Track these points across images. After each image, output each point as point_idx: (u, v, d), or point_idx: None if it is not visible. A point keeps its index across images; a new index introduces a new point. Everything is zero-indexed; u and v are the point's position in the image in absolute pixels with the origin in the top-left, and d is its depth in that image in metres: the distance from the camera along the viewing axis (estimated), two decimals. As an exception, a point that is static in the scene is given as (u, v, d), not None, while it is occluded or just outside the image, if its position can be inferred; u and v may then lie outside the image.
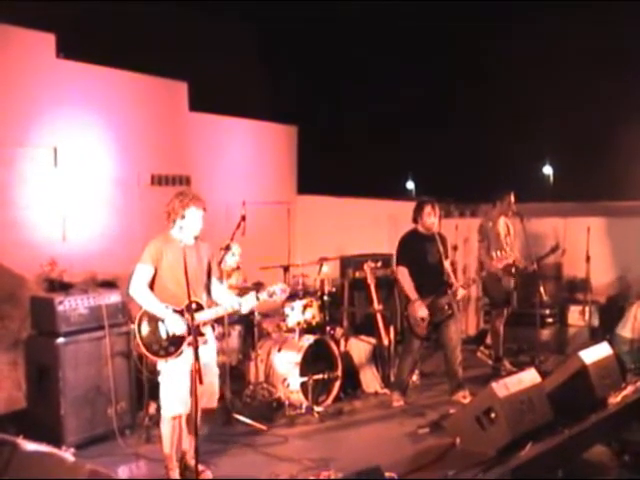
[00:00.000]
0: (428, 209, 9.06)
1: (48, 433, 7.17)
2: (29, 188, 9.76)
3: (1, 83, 9.49)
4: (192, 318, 6.34)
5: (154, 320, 6.58)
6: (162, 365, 6.68)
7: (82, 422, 7.64)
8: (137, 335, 6.60)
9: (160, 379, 6.73)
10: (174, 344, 6.57)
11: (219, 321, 8.59)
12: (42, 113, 9.97)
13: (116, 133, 11.01)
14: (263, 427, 8.23)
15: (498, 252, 9.22)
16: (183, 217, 6.67)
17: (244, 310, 7.13)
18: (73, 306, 7.67)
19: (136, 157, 11.27)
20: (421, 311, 8.85)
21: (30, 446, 5.61)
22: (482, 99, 21.03)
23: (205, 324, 6.72)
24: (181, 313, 6.57)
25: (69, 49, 10.36)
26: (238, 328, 9.44)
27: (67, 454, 6.14)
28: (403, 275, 9.05)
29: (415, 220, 9.21)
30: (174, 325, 6.52)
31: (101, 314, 7.67)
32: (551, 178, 32.69)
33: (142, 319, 6.61)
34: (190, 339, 6.46)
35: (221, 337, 8.94)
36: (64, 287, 8.94)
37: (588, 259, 11.39)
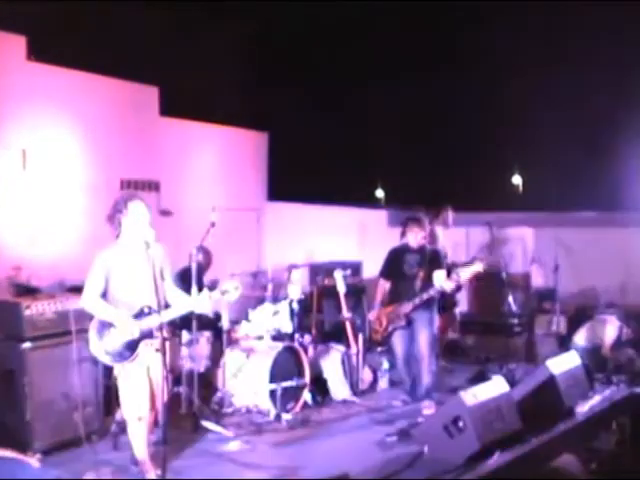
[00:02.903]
0: (411, 227, 9.25)
1: (14, 439, 7.11)
2: (-3, 191, 9.69)
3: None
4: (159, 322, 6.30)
5: (108, 327, 6.54)
6: (119, 369, 6.66)
7: (48, 428, 7.55)
8: (92, 341, 6.57)
9: (119, 383, 6.70)
10: (129, 349, 6.54)
11: (188, 327, 8.58)
12: (11, 115, 9.90)
13: (86, 137, 10.95)
14: (230, 434, 8.20)
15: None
16: (127, 214, 6.60)
17: (198, 311, 7.12)
18: (40, 311, 7.59)
19: (105, 161, 11.21)
20: (371, 314, 9.47)
21: (-4, 452, 5.56)
22: (452, 107, 21.06)
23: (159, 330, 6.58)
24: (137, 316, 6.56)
25: (40, 51, 10.30)
26: (207, 334, 9.40)
27: (33, 460, 6.11)
28: (377, 285, 9.33)
29: (402, 234, 9.44)
30: (125, 329, 6.49)
31: (68, 319, 7.60)
32: (520, 188, 32.83)
33: (95, 328, 6.57)
34: (145, 341, 6.53)
35: (189, 343, 8.91)
36: (31, 291, 8.87)
37: (557, 269, 11.45)
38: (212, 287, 7.59)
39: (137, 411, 6.62)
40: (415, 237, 9.27)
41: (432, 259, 9.26)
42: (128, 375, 6.61)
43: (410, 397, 9.44)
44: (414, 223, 9.32)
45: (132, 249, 6.63)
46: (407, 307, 9.11)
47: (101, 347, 6.54)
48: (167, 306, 6.66)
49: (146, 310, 6.55)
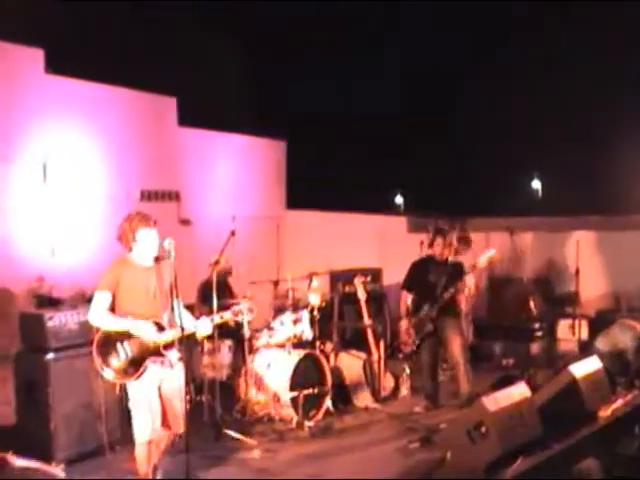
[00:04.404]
0: (437, 240, 9.34)
1: (38, 449, 7.14)
2: (18, 203, 9.75)
3: (-10, 98, 9.51)
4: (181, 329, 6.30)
5: (112, 342, 6.45)
6: (130, 388, 6.55)
7: (72, 438, 7.59)
8: (96, 358, 6.44)
9: (129, 404, 6.61)
10: (132, 366, 6.44)
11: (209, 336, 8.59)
12: (31, 129, 9.98)
13: (105, 149, 11.02)
14: (253, 442, 8.21)
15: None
16: (135, 240, 6.56)
17: (199, 334, 7.06)
18: (63, 322, 7.64)
19: (125, 172, 11.28)
20: (402, 323, 9.39)
21: (20, 462, 5.60)
22: (472, 114, 21.07)
23: (167, 347, 6.55)
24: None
25: (58, 64, 10.37)
26: (228, 343, 9.42)
27: (57, 470, 6.15)
28: (401, 296, 9.43)
29: (430, 245, 9.49)
30: (143, 329, 6.42)
31: (91, 329, 7.63)
32: (540, 192, 32.76)
33: (99, 342, 6.47)
34: (152, 359, 6.46)
35: (211, 352, 8.93)
36: (53, 303, 8.94)
37: (577, 273, 11.42)
38: (226, 307, 7.59)
39: (145, 432, 6.49)
40: (441, 250, 9.30)
41: (455, 273, 9.29)
42: (136, 394, 6.52)
43: (432, 403, 9.43)
44: (441, 236, 9.35)
45: (142, 263, 6.62)
46: (431, 311, 9.18)
47: (104, 362, 6.44)
48: (176, 324, 6.51)
49: (155, 327, 6.48)
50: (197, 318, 6.92)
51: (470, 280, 9.25)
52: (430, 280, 9.33)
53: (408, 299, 9.61)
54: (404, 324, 9.45)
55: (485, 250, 9.24)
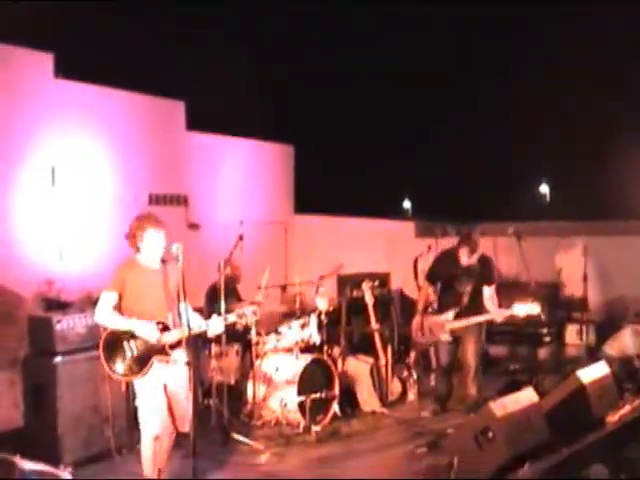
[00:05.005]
0: (463, 249, 9.11)
1: (45, 452, 7.15)
2: (27, 207, 9.78)
3: (-1, 102, 9.54)
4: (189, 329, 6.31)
5: (119, 340, 6.50)
6: (136, 386, 6.61)
7: (79, 441, 7.61)
8: (102, 356, 6.50)
9: (136, 402, 6.67)
10: (138, 363, 6.49)
11: (217, 340, 8.59)
12: (40, 132, 10.00)
13: (114, 152, 11.04)
14: (260, 446, 8.22)
15: None
16: (142, 240, 6.61)
17: (210, 333, 7.08)
18: (71, 325, 7.67)
19: (133, 176, 11.30)
20: (415, 321, 9.19)
21: (28, 465, 5.61)
22: (479, 119, 21.07)
23: (172, 347, 6.59)
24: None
25: (67, 69, 10.41)
26: (236, 347, 9.42)
27: (65, 473, 6.16)
28: (423, 289, 9.24)
29: (461, 231, 9.34)
30: (146, 329, 6.46)
31: (99, 333, 7.64)
32: (547, 197, 32.70)
33: (106, 340, 6.52)
34: (158, 357, 6.49)
35: (219, 356, 8.94)
36: (62, 306, 8.95)
37: (585, 278, 11.41)
38: (229, 310, 7.60)
39: (151, 429, 6.52)
40: (467, 256, 9.14)
41: (483, 270, 9.17)
42: (143, 392, 6.57)
43: (441, 407, 9.39)
44: (466, 244, 9.21)
45: (149, 265, 6.67)
46: (453, 325, 9.03)
47: (110, 360, 6.49)
48: (183, 323, 6.50)
49: (160, 326, 6.52)
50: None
51: (500, 318, 9.03)
52: (455, 285, 9.14)
53: (430, 291, 9.45)
54: (418, 320, 9.28)
55: (529, 302, 8.99)
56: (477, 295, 9.11)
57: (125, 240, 6.75)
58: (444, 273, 9.30)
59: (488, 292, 9.14)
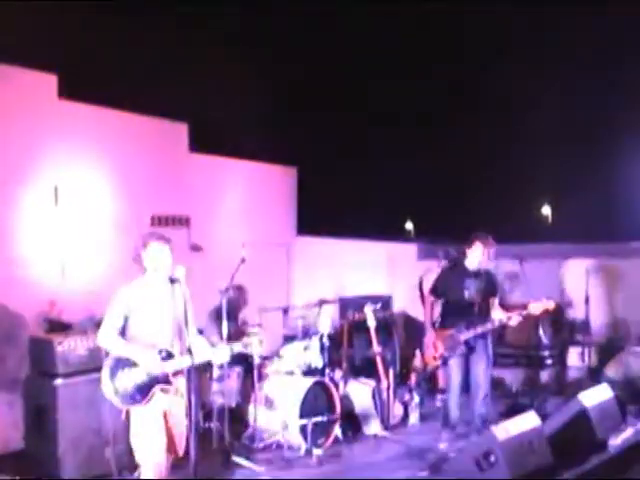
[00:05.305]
0: (477, 245, 9.00)
1: (46, 474, 7.18)
2: (29, 226, 9.79)
3: (3, 122, 9.56)
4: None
5: (121, 367, 6.37)
6: (135, 413, 6.47)
7: (80, 463, 7.60)
8: (104, 381, 6.34)
9: (131, 428, 6.53)
10: (141, 392, 6.38)
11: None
12: (43, 152, 10.03)
13: (116, 173, 11.06)
14: (261, 469, 8.20)
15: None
16: (146, 257, 6.53)
17: (216, 362, 7.03)
18: (72, 347, 7.67)
19: (136, 197, 11.31)
20: (427, 337, 8.86)
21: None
22: (480, 139, 21.09)
23: (177, 374, 6.51)
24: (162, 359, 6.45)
25: (70, 90, 10.43)
26: (237, 370, 9.40)
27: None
28: (427, 303, 9.07)
29: (464, 253, 9.15)
30: (147, 359, 6.35)
31: (100, 355, 7.62)
32: (550, 218, 32.70)
33: (109, 366, 6.38)
34: (159, 386, 6.41)
35: (221, 379, 8.93)
36: (63, 327, 8.95)
37: (587, 300, 11.40)
38: (236, 333, 7.57)
39: (152, 457, 6.43)
40: (479, 256, 9.00)
41: (489, 283, 9.11)
42: (142, 420, 6.44)
43: (452, 430, 9.23)
44: (481, 241, 9.06)
45: (155, 287, 6.57)
46: (467, 334, 8.87)
47: (112, 387, 6.33)
48: (189, 351, 6.35)
49: (164, 354, 6.42)
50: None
51: (515, 320, 8.94)
52: (464, 295, 8.99)
53: (435, 305, 9.36)
54: (431, 336, 9.07)
55: (543, 299, 8.93)
56: (486, 305, 9.05)
57: (133, 262, 6.67)
58: (450, 284, 9.19)
59: (494, 303, 9.11)
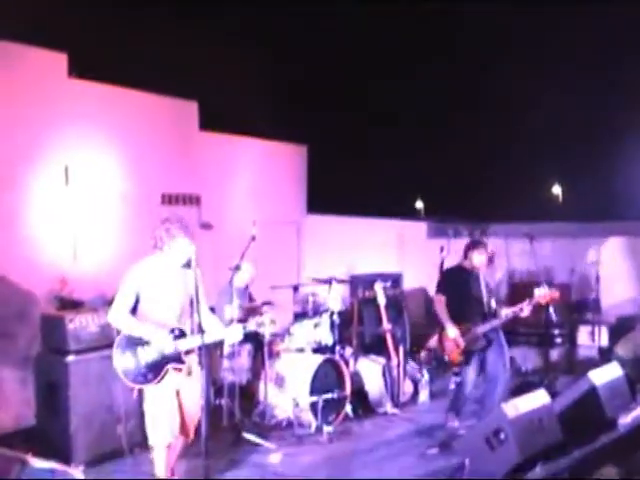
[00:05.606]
0: (480, 250, 8.99)
1: (57, 450, 7.20)
2: (40, 206, 9.81)
3: (13, 101, 9.56)
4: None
5: (133, 346, 6.39)
6: (147, 392, 6.51)
7: (92, 440, 7.63)
8: (115, 359, 6.38)
9: (144, 407, 6.58)
10: (153, 371, 6.39)
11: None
12: (53, 131, 10.02)
13: (127, 152, 11.06)
14: (272, 446, 8.23)
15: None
16: (173, 246, 6.50)
17: (229, 341, 7.03)
18: (83, 324, 7.68)
19: (146, 176, 11.31)
20: (451, 332, 8.77)
21: (39, 463, 5.63)
22: (491, 119, 21.05)
23: (188, 353, 6.54)
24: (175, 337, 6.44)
25: (81, 68, 10.43)
26: (248, 347, 9.41)
27: (76, 471, 6.17)
28: (440, 303, 8.96)
29: (465, 256, 9.10)
30: (159, 338, 6.36)
31: (111, 332, 7.64)
32: (560, 198, 32.62)
33: (120, 345, 6.40)
34: (172, 365, 6.41)
35: (231, 356, 8.95)
36: (74, 305, 8.97)
37: (598, 279, 11.39)
38: (247, 311, 7.57)
39: (164, 438, 6.48)
40: (481, 261, 9.00)
41: (488, 284, 9.10)
42: (154, 399, 6.48)
43: (455, 414, 9.17)
44: (481, 247, 9.05)
45: (167, 266, 6.58)
46: (484, 328, 8.73)
47: (124, 366, 6.37)
48: (200, 330, 6.32)
49: (177, 332, 6.43)
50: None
51: (527, 311, 8.88)
52: (472, 292, 8.93)
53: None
54: (456, 331, 8.82)
55: (546, 288, 8.87)
56: (492, 299, 9.04)
57: (151, 240, 6.61)
58: (457, 287, 9.11)
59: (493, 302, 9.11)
